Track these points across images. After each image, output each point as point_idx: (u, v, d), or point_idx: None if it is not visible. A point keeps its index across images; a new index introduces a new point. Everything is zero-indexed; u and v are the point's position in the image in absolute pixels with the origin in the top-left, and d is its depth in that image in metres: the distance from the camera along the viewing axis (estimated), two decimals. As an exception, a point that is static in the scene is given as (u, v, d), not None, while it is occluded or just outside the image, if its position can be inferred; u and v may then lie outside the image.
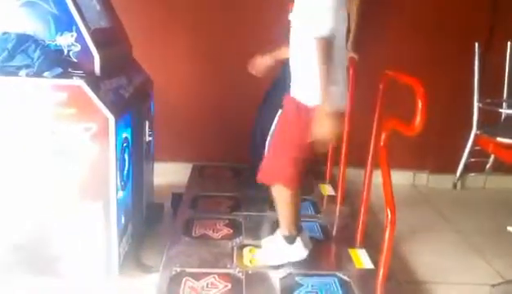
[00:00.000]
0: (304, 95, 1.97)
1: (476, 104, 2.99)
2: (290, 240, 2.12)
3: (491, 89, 3.08)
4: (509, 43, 3.11)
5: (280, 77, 2.55)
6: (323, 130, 1.85)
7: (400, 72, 2.06)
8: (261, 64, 2.36)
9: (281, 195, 2.10)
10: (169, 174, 3.21)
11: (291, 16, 1.98)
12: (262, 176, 2.10)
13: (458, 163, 3.23)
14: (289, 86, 2.06)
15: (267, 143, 2.66)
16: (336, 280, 2.05)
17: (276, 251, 2.14)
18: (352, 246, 2.36)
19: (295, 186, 2.08)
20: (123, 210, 2.16)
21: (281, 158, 2.05)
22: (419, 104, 1.77)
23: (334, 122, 1.85)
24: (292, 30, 2.00)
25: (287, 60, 2.09)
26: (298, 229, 2.16)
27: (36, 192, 2.04)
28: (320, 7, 1.82)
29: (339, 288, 1.99)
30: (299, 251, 2.14)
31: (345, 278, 2.07)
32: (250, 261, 2.16)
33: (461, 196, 3.53)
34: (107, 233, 2.07)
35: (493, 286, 2.26)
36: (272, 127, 2.62)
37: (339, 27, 1.91)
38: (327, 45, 1.83)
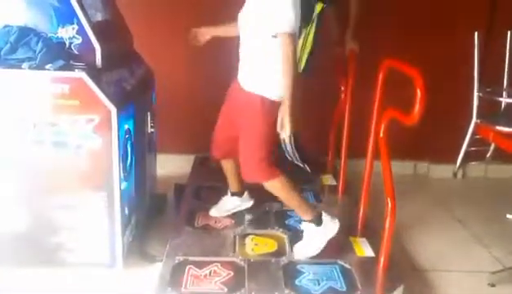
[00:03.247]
0: (269, 89, 2.05)
1: (476, 94, 2.98)
2: (317, 221, 2.17)
3: (491, 78, 3.07)
4: (508, 32, 3.09)
5: None
6: (289, 125, 1.99)
7: (398, 61, 2.07)
8: (202, 35, 2.43)
9: (278, 189, 2.17)
10: (172, 165, 3.24)
11: (244, 15, 2.08)
12: (247, 178, 2.21)
13: (458, 153, 3.24)
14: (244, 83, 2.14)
15: None
16: (337, 268, 2.08)
17: (312, 240, 2.18)
18: (354, 234, 2.39)
19: (280, 174, 2.14)
20: (126, 200, 2.19)
21: (259, 156, 2.12)
22: (418, 94, 1.79)
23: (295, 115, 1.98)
24: (247, 28, 2.07)
25: None
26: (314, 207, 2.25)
27: (39, 183, 2.07)
28: (283, 3, 1.93)
29: (341, 276, 2.02)
30: (331, 226, 2.19)
31: (346, 265, 2.10)
32: (253, 250, 2.19)
33: (462, 185, 3.55)
34: (111, 223, 2.10)
35: (493, 273, 2.28)
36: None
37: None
38: (293, 40, 1.94)
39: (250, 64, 2.13)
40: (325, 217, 2.19)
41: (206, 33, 2.43)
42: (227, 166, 2.48)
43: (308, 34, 2.55)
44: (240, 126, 2.18)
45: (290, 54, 1.95)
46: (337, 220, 2.20)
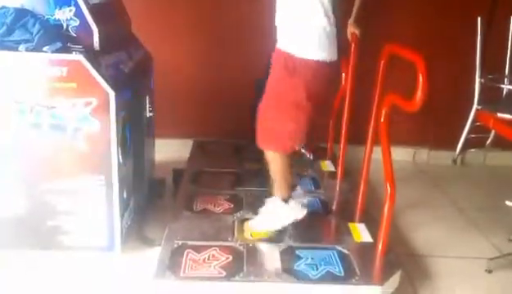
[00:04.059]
0: (294, 46, 1.93)
1: (478, 80, 2.97)
2: (286, 201, 2.14)
3: (492, 64, 3.06)
4: (511, 19, 3.07)
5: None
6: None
7: (400, 46, 2.04)
8: None
9: (275, 160, 2.08)
10: (170, 150, 3.23)
11: None
12: (259, 142, 2.07)
13: (458, 139, 3.23)
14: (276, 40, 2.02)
15: None
16: (335, 253, 2.08)
17: (273, 215, 2.14)
18: (352, 220, 2.39)
19: (288, 151, 2.06)
20: (125, 184, 2.18)
21: (275, 121, 2.00)
22: (420, 79, 1.76)
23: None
24: None
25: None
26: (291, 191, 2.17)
27: (37, 166, 2.06)
28: None
29: (339, 261, 2.02)
30: (298, 210, 2.15)
31: (344, 251, 2.10)
32: (251, 235, 2.18)
33: (461, 172, 3.54)
34: (109, 207, 2.10)
35: (490, 259, 2.29)
36: None
37: None
38: None
39: (280, 23, 2.00)
40: (295, 203, 2.15)
41: None
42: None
43: None
44: None
45: None
46: (306, 210, 2.15)
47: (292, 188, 2.22)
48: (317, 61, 1.94)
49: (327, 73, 1.99)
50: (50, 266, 2.09)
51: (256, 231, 2.15)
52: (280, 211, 2.14)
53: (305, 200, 2.28)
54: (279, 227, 2.14)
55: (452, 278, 2.21)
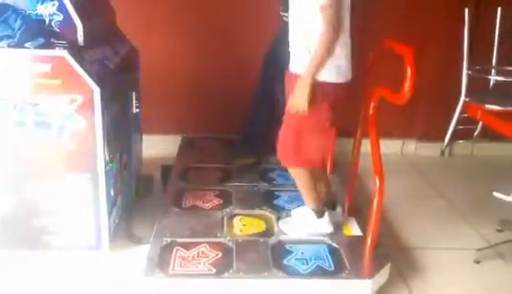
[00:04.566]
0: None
1: (465, 71, 2.98)
2: (319, 214, 2.16)
3: (480, 56, 3.06)
4: (499, 9, 3.08)
5: (279, 37, 2.44)
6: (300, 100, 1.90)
7: (389, 39, 2.04)
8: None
9: (301, 176, 2.12)
10: (158, 146, 3.20)
11: None
12: (282, 159, 2.11)
13: (446, 131, 3.25)
14: (290, 64, 2.03)
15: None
16: (325, 247, 2.08)
17: (306, 226, 2.17)
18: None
19: (317, 166, 2.12)
20: (112, 182, 2.15)
21: (306, 143, 2.02)
22: (409, 72, 1.76)
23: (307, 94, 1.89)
24: (293, 9, 1.97)
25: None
26: (325, 204, 2.22)
27: (21, 164, 2.02)
28: None
29: (329, 255, 2.02)
30: (326, 226, 2.17)
31: (334, 245, 2.10)
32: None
33: (449, 163, 3.57)
34: (96, 205, 2.07)
35: (479, 250, 2.31)
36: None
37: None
38: (333, 13, 1.82)
39: (295, 45, 2.00)
40: (327, 217, 2.17)
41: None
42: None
43: None
44: None
45: (327, 28, 1.82)
46: (333, 227, 2.18)
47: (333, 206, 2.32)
48: (340, 83, 1.96)
49: (346, 93, 2.03)
50: (37, 266, 2.06)
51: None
52: (312, 224, 2.16)
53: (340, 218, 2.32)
54: (305, 236, 2.16)
55: (441, 269, 2.22)
